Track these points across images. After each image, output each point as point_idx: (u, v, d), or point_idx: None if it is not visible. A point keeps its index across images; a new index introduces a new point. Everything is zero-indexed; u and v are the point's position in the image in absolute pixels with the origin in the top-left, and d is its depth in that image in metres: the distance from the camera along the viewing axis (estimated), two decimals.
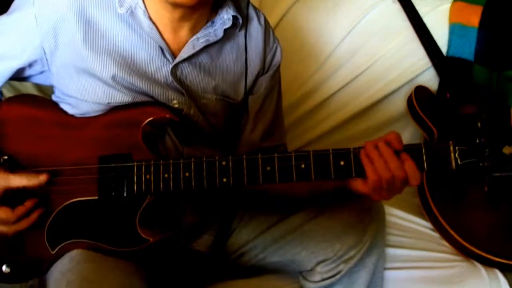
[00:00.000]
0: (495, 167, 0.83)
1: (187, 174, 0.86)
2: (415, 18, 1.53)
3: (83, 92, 0.93)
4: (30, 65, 0.95)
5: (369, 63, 1.58)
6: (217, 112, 1.01)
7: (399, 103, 1.57)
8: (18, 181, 0.88)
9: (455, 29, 1.53)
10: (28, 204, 0.89)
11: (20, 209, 0.89)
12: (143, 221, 0.90)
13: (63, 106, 0.97)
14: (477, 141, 0.84)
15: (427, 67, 1.55)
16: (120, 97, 0.93)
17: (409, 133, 1.59)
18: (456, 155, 0.83)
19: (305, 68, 1.58)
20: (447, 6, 1.56)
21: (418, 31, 1.53)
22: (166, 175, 0.87)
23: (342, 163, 0.84)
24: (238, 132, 1.07)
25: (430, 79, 1.55)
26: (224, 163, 0.86)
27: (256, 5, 1.50)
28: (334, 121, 1.58)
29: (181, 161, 0.87)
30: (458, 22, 1.53)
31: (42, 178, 0.89)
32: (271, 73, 1.07)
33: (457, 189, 1.32)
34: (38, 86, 1.33)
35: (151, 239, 0.90)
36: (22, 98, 1.01)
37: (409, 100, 1.49)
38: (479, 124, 0.84)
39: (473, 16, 1.53)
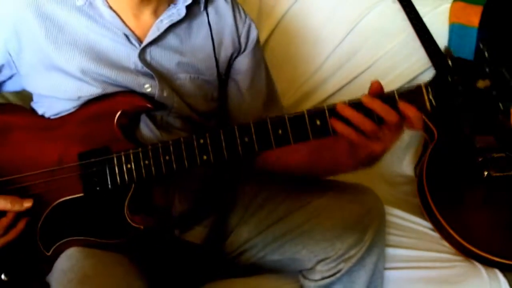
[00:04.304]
0: (469, 103, 0.80)
1: (167, 158, 0.87)
2: (415, 18, 1.53)
3: (53, 89, 0.93)
4: None
5: (369, 63, 1.58)
6: (195, 93, 1.01)
7: None
8: (1, 204, 0.88)
9: (455, 29, 1.53)
10: (11, 214, 0.89)
11: (4, 221, 0.88)
12: (132, 210, 0.91)
13: (40, 110, 0.97)
14: (449, 79, 0.80)
15: (427, 67, 1.55)
16: (90, 90, 0.93)
17: (409, 134, 1.59)
18: (430, 96, 0.80)
19: (305, 68, 1.58)
20: (447, 6, 1.57)
21: (418, 31, 1.53)
22: (146, 162, 0.87)
23: (318, 123, 0.83)
24: (234, 109, 1.08)
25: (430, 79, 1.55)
26: (202, 140, 0.86)
27: (256, 5, 1.51)
28: None
29: (159, 145, 0.87)
30: (458, 22, 1.54)
31: (26, 205, 0.89)
32: (250, 49, 1.07)
33: (457, 189, 1.32)
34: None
35: (141, 226, 0.90)
36: None
37: None
38: (449, 62, 0.82)
39: (473, 16, 1.53)
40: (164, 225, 1.00)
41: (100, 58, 0.93)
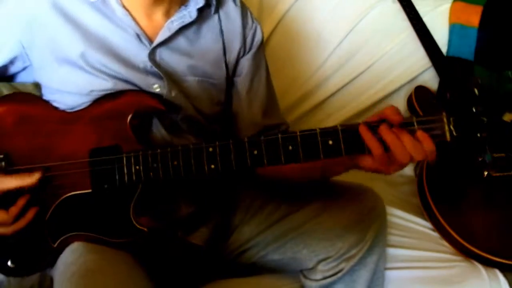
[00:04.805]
0: (494, 137, 0.77)
1: (175, 163, 0.87)
2: (415, 18, 1.53)
3: (65, 83, 0.94)
4: (12, 62, 0.97)
5: (369, 63, 1.58)
6: (201, 96, 1.02)
7: (399, 103, 1.57)
8: (12, 182, 0.88)
9: (455, 29, 1.53)
10: (20, 202, 0.89)
11: (14, 210, 0.89)
12: (138, 212, 0.91)
13: (53, 104, 0.97)
14: (474, 109, 0.77)
15: (427, 67, 1.56)
16: (101, 85, 0.93)
17: None
18: (451, 126, 0.77)
19: (305, 68, 1.58)
20: (447, 6, 1.57)
21: (418, 31, 1.53)
22: (155, 165, 0.87)
23: (330, 142, 0.82)
24: (234, 115, 1.08)
25: (430, 79, 1.56)
26: (211, 149, 0.86)
27: (256, 5, 1.52)
28: (334, 121, 1.58)
29: (169, 149, 0.87)
30: (458, 22, 1.54)
31: (36, 176, 0.89)
32: (253, 52, 1.08)
33: (457, 189, 1.32)
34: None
35: (146, 229, 0.90)
36: (13, 97, 1.01)
37: (409, 100, 1.49)
38: (476, 91, 0.78)
39: (473, 16, 1.53)
40: (168, 227, 1.00)
41: (110, 53, 0.94)
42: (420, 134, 0.79)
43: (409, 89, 1.53)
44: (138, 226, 0.90)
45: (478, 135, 0.78)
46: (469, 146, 0.75)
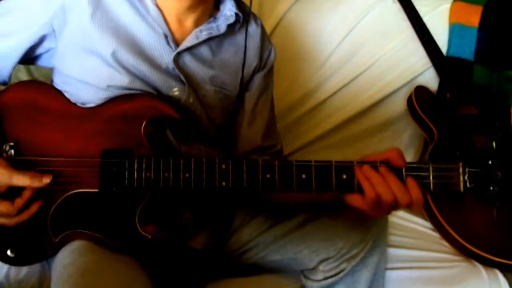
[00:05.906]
0: (507, 193, 0.78)
1: (187, 175, 0.87)
2: (415, 18, 1.53)
3: (85, 73, 0.94)
4: (41, 41, 0.97)
5: (369, 63, 1.57)
6: (215, 105, 1.03)
7: (399, 103, 1.57)
8: (21, 180, 0.88)
9: (455, 29, 1.53)
10: (26, 194, 0.89)
11: (19, 202, 0.89)
12: (143, 218, 0.91)
13: (65, 95, 0.96)
14: (490, 162, 0.79)
15: (427, 67, 1.55)
16: (120, 80, 0.94)
17: (409, 133, 1.59)
18: (466, 177, 0.79)
19: (305, 68, 1.58)
20: (447, 6, 1.56)
21: (418, 31, 1.53)
22: (166, 174, 0.87)
23: (344, 176, 0.83)
24: (236, 129, 1.09)
25: (430, 79, 1.55)
26: (224, 166, 0.86)
27: (256, 5, 1.52)
28: (334, 121, 1.58)
29: (181, 161, 0.87)
30: (458, 22, 1.54)
31: (45, 180, 0.89)
32: (265, 71, 1.11)
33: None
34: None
35: (150, 236, 0.90)
36: (30, 85, 1.01)
37: (409, 100, 1.49)
38: (494, 144, 0.80)
39: (473, 16, 1.53)
40: (170, 234, 1.00)
41: (137, 50, 0.95)
42: (409, 180, 0.82)
43: (409, 89, 1.53)
44: (142, 232, 0.90)
45: (491, 188, 0.80)
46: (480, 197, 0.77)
